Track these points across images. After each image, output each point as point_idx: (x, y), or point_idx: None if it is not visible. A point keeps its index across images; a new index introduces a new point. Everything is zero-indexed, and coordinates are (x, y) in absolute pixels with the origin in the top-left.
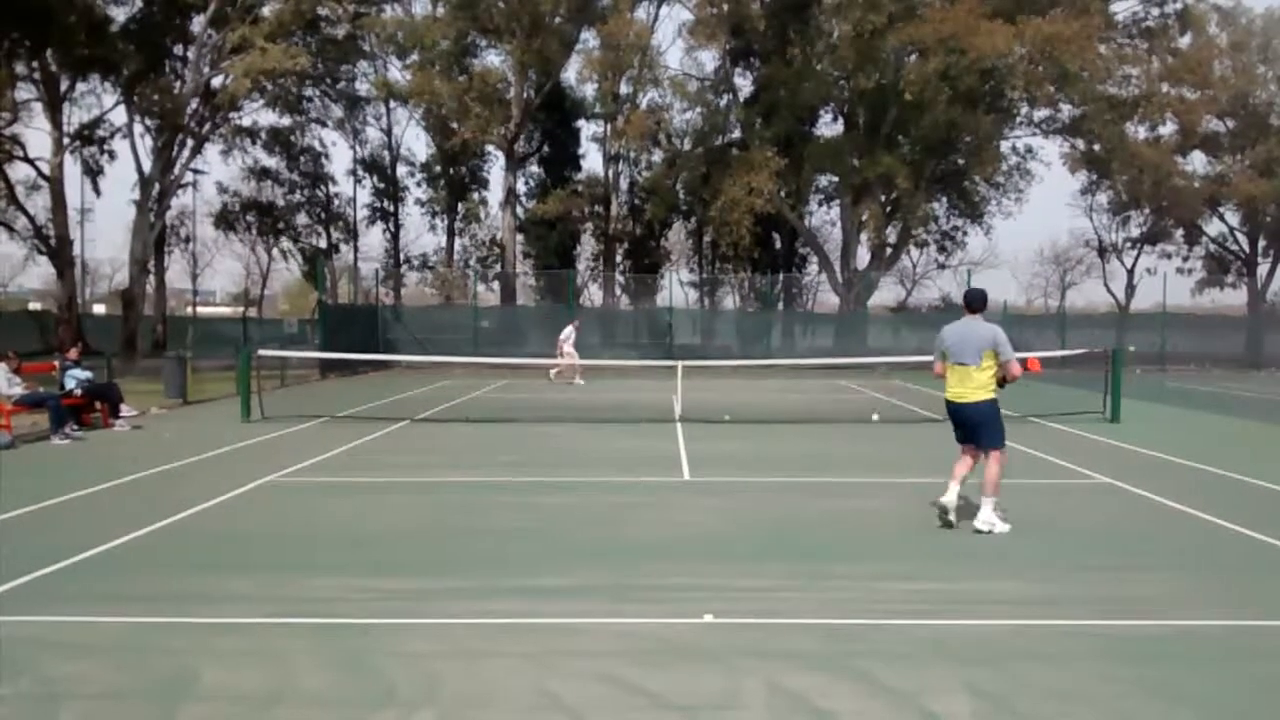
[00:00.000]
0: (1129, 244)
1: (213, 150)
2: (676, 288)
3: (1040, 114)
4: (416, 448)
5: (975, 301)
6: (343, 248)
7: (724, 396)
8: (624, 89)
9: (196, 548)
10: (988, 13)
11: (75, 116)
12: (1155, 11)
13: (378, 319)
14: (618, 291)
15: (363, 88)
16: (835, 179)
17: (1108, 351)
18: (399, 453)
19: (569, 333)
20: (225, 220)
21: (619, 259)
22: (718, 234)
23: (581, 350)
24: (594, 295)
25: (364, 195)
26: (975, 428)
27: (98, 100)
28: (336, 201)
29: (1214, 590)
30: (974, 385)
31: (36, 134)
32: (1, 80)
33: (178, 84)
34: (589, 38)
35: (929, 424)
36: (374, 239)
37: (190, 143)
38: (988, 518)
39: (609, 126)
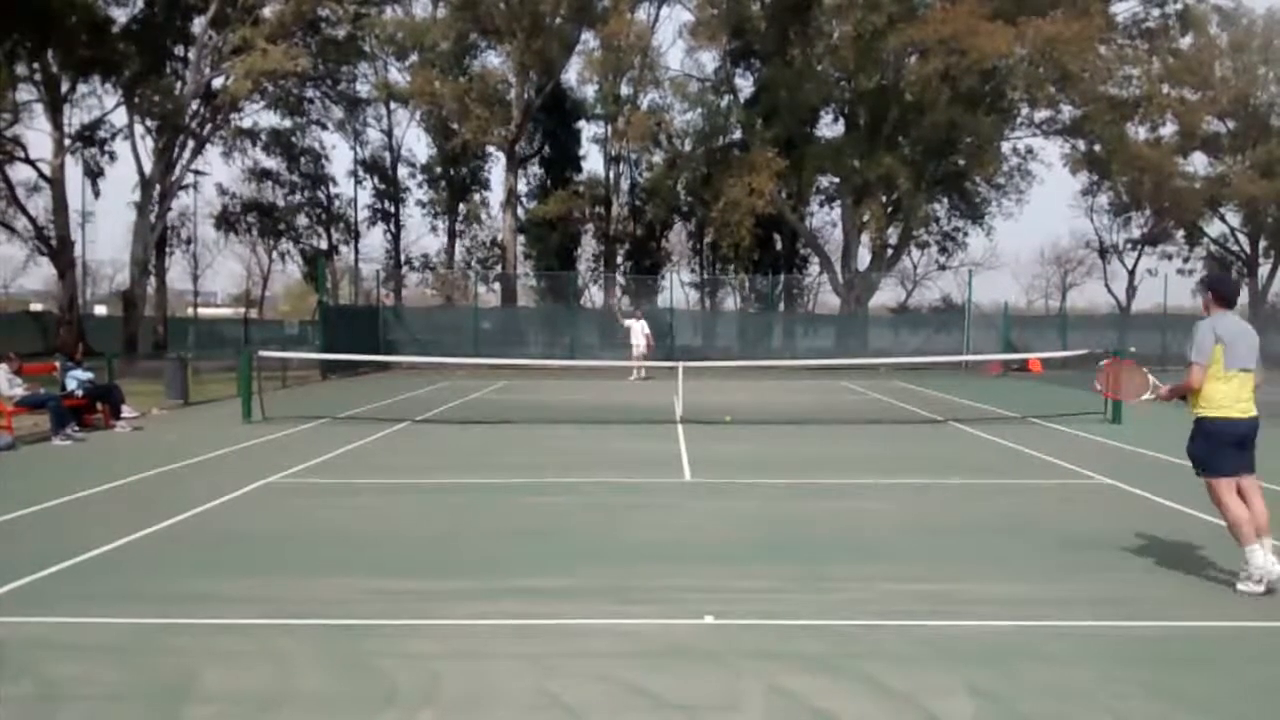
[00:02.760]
0: (1130, 245)
1: (213, 152)
2: (677, 289)
3: (1041, 115)
4: (418, 449)
5: (1236, 294)
6: (343, 249)
7: (725, 397)
8: (625, 90)
9: (198, 549)
10: (988, 14)
11: (76, 118)
12: (1156, 12)
13: (378, 320)
14: (618, 293)
15: (363, 89)
16: (836, 180)
17: (1109, 352)
18: (400, 454)
19: (630, 325)
20: (226, 221)
21: (620, 260)
22: (718, 235)
23: (581, 351)
24: (595, 296)
25: (364, 196)
26: (1251, 447)
27: (99, 101)
28: (337, 203)
29: (1214, 591)
30: (1253, 396)
31: (37, 135)
32: (2, 81)
33: (178, 85)
34: (589, 38)
35: (930, 425)
36: (374, 240)
37: (191, 144)
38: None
39: (610, 127)
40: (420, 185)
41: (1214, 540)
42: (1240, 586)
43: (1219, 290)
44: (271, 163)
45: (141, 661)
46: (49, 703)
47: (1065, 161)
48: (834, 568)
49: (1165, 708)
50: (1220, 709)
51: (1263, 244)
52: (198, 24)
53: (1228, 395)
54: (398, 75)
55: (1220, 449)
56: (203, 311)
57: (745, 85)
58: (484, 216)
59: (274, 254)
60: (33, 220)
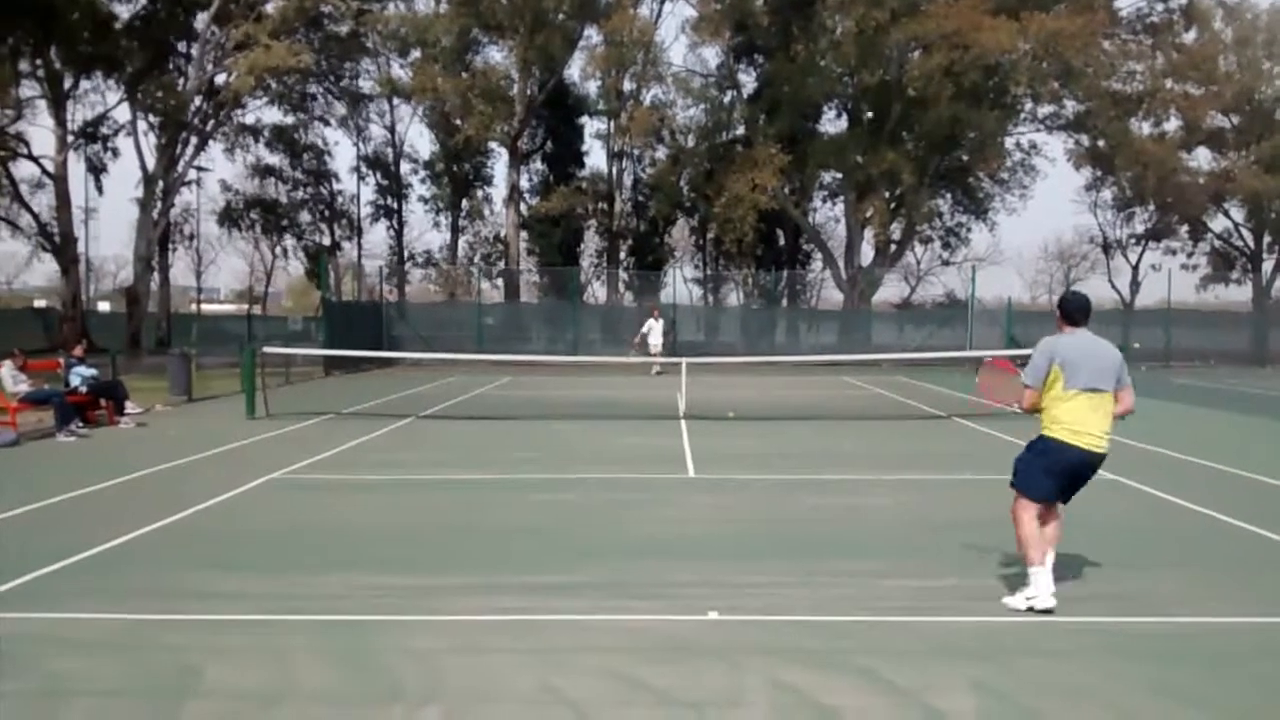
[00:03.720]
0: (1133, 240)
1: (216, 148)
2: (680, 285)
3: (1044, 110)
4: (421, 445)
5: (1084, 310)
6: (346, 245)
7: (728, 393)
8: (627, 85)
9: (201, 545)
10: (991, 9)
11: (79, 114)
12: (1160, 7)
13: (382, 316)
14: (621, 288)
15: (366, 85)
16: (839, 175)
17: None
18: (404, 450)
19: (649, 325)
20: (229, 218)
21: (623, 256)
22: (722, 231)
23: (584, 347)
24: (598, 292)
25: (367, 192)
26: (1077, 483)
27: (101, 98)
28: (340, 199)
29: (1219, 587)
30: (1109, 424)
31: (40, 131)
32: (6, 78)
33: (181, 81)
34: (592, 34)
35: (933, 421)
36: (378, 236)
37: (194, 140)
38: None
39: (613, 123)
40: (423, 181)
41: (1217, 536)
42: (1008, 600)
43: (1063, 308)
44: (274, 159)
45: (145, 657)
46: (53, 698)
47: (1069, 157)
48: (837, 563)
49: (1167, 703)
50: (1223, 705)
51: (1267, 239)
52: (200, 20)
53: (1069, 415)
54: (400, 71)
55: (1042, 470)
56: (206, 308)
57: (748, 81)
58: (487, 212)
59: (277, 250)
60: (36, 217)
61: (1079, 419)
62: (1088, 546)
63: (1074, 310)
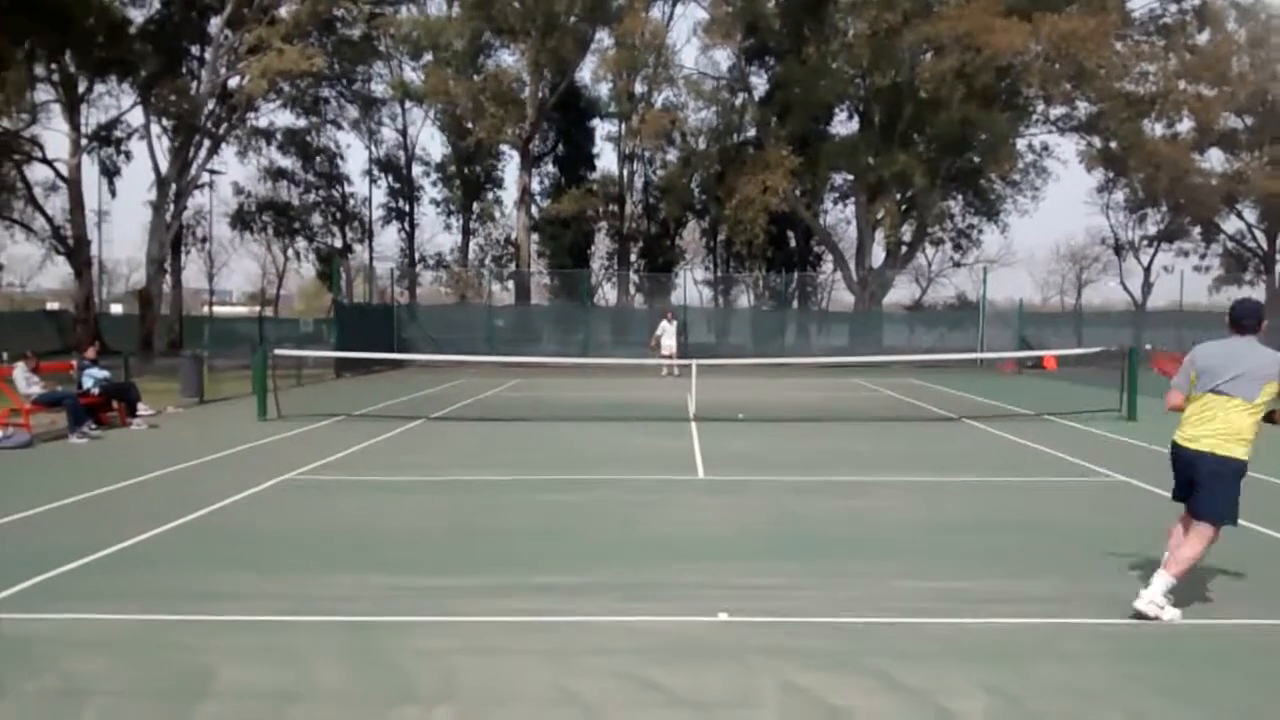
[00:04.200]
0: (1146, 241)
1: (229, 151)
2: (691, 286)
3: (1056, 111)
4: (432, 446)
5: (1248, 316)
6: (358, 247)
7: (738, 395)
8: (639, 88)
9: (213, 546)
10: (1003, 10)
11: (93, 118)
12: (1173, 8)
13: (393, 318)
14: (632, 290)
15: (378, 88)
16: (850, 177)
17: (1124, 349)
18: (415, 451)
19: (663, 327)
20: (241, 220)
21: (633, 258)
22: (732, 232)
23: (595, 349)
24: (608, 294)
25: (379, 195)
26: (1201, 484)
27: (115, 101)
28: (352, 201)
29: (1230, 589)
30: (1229, 429)
31: (55, 135)
32: (21, 82)
33: (194, 85)
34: (604, 37)
35: (944, 423)
36: (389, 239)
37: (207, 143)
38: (1156, 598)
39: (624, 125)
40: (434, 184)
41: (1227, 538)
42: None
43: (1230, 314)
44: (287, 162)
45: (159, 657)
46: (70, 698)
47: (1081, 158)
48: (847, 565)
49: (1177, 705)
50: (1232, 706)
51: (1279, 240)
52: (214, 24)
53: (1186, 417)
54: (412, 74)
55: (1173, 468)
56: (218, 310)
57: (760, 83)
58: (498, 215)
59: (289, 252)
60: (50, 220)
61: (1189, 419)
62: (1096, 548)
63: (1235, 314)
